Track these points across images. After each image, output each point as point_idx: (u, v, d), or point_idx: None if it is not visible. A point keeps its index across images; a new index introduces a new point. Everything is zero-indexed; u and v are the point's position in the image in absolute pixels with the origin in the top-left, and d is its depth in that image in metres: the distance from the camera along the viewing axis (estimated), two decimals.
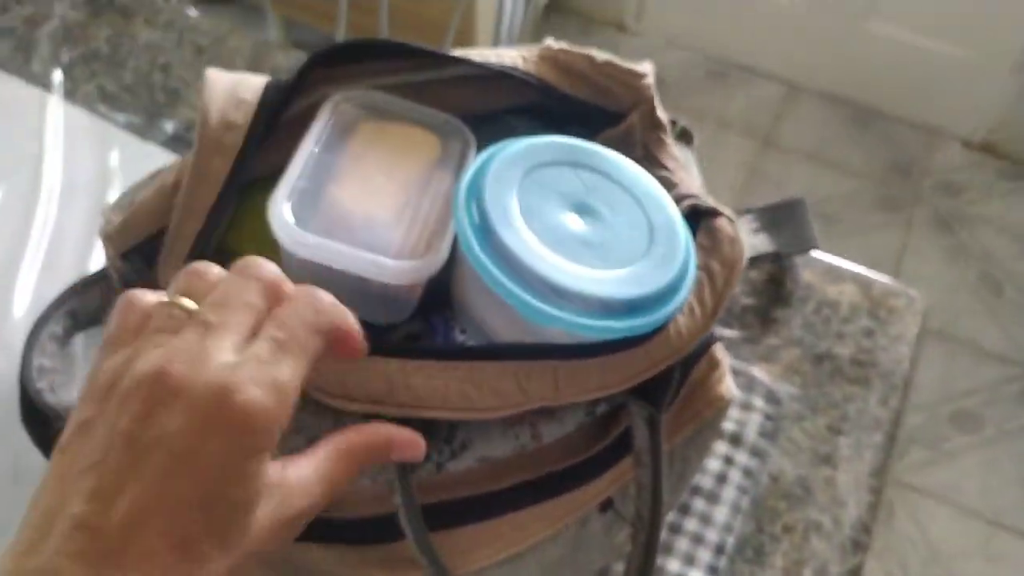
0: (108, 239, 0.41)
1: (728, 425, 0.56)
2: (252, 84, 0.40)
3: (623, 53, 0.44)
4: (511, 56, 0.44)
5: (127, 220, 0.40)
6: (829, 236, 1.73)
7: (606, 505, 0.41)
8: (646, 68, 0.44)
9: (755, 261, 0.62)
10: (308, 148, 0.38)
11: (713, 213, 0.40)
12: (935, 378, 1.54)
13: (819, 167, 1.86)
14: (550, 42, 0.45)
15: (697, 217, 0.40)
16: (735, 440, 0.55)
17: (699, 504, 0.52)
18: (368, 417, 0.33)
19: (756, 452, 0.55)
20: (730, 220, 0.40)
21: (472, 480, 0.38)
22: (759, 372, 0.59)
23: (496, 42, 0.91)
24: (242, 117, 0.39)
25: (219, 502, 0.24)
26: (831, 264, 0.65)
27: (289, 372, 0.26)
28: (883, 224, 1.76)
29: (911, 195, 1.82)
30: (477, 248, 0.34)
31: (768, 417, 0.56)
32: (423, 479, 0.37)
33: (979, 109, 1.86)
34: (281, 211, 0.35)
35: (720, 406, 0.42)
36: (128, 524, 0.22)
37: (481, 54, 0.43)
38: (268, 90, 0.40)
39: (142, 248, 0.40)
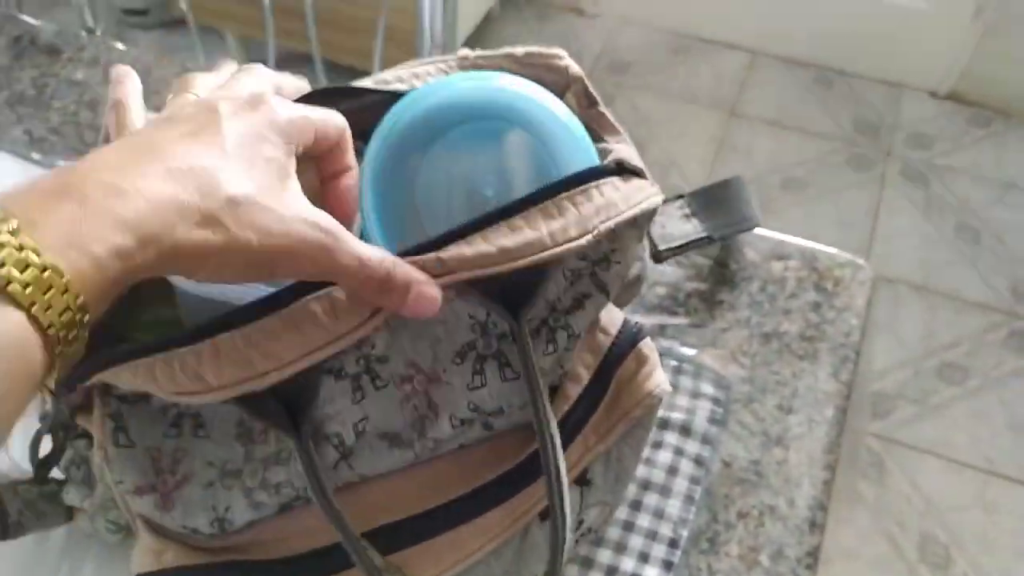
0: None
1: (677, 415, 0.55)
2: None
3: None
4: (430, 72, 0.44)
5: None
6: (801, 201, 1.72)
7: (546, 514, 0.40)
8: (559, 51, 0.45)
9: (694, 244, 0.61)
10: None
11: (637, 172, 0.40)
12: (918, 333, 1.54)
13: (787, 133, 1.85)
14: (465, 51, 0.45)
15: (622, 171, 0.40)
16: (684, 430, 0.55)
17: (651, 499, 0.52)
18: (244, 402, 0.34)
19: (707, 440, 0.54)
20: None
21: (400, 499, 0.38)
22: (707, 358, 0.58)
23: (432, 43, 0.90)
24: None
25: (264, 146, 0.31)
26: (775, 239, 0.64)
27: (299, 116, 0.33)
28: (855, 183, 1.76)
29: (881, 151, 1.82)
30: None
31: (717, 403, 0.56)
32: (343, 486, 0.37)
33: (943, 59, 1.85)
34: None
35: (650, 403, 0.42)
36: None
37: (397, 76, 0.44)
38: None
39: None
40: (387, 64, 0.50)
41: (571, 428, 0.40)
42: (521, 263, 0.35)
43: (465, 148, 0.38)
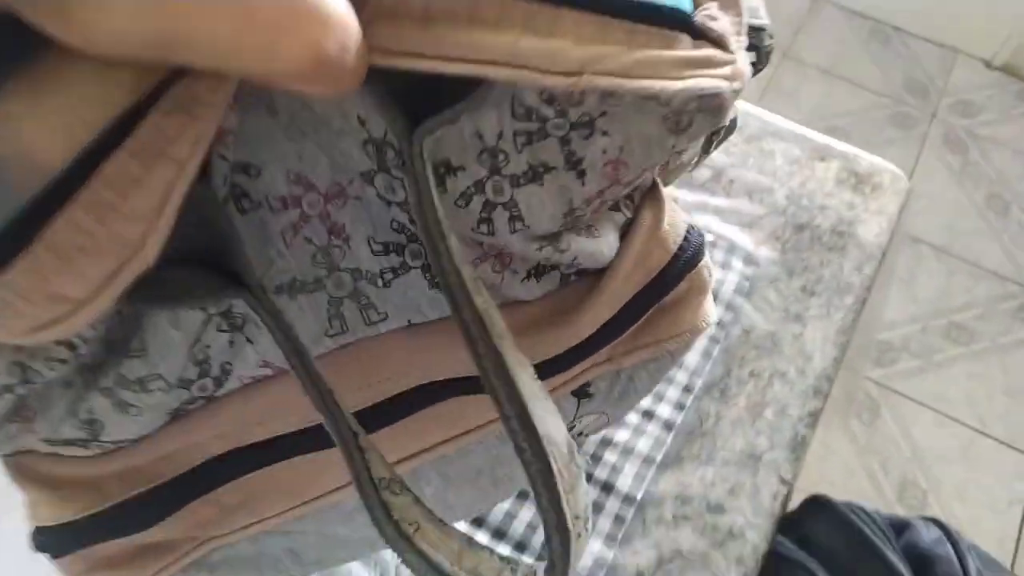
0: None
1: None
2: None
3: None
4: None
5: None
6: None
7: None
8: None
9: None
10: None
11: (718, 41, 0.26)
12: (932, 292, 1.57)
13: (836, 82, 1.85)
14: None
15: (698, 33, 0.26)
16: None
17: None
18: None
19: (730, 307, 0.58)
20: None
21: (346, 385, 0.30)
22: (741, 238, 0.62)
23: None
24: None
25: None
26: (820, 141, 0.67)
27: None
28: (896, 141, 1.76)
29: (927, 113, 1.82)
30: None
31: (745, 278, 0.60)
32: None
33: (1002, 29, 1.84)
34: None
35: (686, 339, 0.34)
36: None
37: None
38: None
39: None
40: None
41: (587, 350, 0.32)
42: (464, 68, 0.22)
43: None
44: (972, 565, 0.43)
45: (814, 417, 0.55)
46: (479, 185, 0.26)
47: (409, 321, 0.29)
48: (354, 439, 0.26)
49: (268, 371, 0.29)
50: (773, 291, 0.60)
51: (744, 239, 0.62)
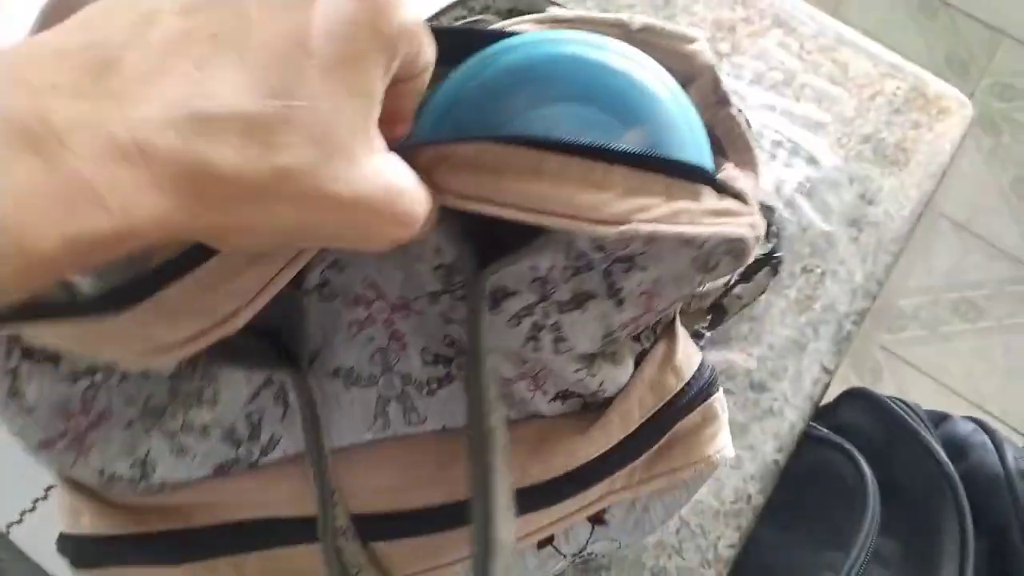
0: None
1: (769, 166, 0.59)
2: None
3: None
4: (528, 26, 0.34)
5: None
6: None
7: (546, 541, 0.36)
8: (696, 33, 0.35)
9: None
10: None
11: (737, 195, 0.30)
12: (946, 266, 1.58)
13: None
14: (555, 10, 0.36)
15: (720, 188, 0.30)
16: (775, 191, 0.59)
17: None
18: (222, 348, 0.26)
19: (789, 204, 0.59)
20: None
21: (376, 485, 0.32)
22: (806, 139, 0.62)
23: None
24: None
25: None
26: (892, 60, 0.67)
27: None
28: None
29: (965, 91, 1.81)
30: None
31: (807, 178, 0.60)
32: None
33: None
34: None
35: (700, 470, 0.36)
36: None
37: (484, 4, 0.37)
38: None
39: None
40: None
41: (602, 470, 0.34)
42: (527, 217, 0.25)
43: (559, 125, 0.29)
44: (1009, 453, 0.44)
45: (861, 316, 0.56)
46: (529, 308, 0.30)
47: (444, 426, 0.32)
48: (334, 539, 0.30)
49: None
50: (833, 195, 0.60)
51: (810, 142, 0.62)
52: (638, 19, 0.35)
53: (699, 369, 0.36)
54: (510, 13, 0.40)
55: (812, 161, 0.61)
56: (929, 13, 1.91)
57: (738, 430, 0.51)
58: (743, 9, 0.66)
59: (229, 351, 0.28)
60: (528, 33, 0.30)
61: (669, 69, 0.33)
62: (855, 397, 0.54)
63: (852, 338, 0.55)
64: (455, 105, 0.29)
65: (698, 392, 0.35)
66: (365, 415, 0.32)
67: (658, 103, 0.29)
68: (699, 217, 0.28)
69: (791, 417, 0.52)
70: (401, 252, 0.28)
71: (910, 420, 0.47)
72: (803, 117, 0.63)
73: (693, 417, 0.35)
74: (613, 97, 0.29)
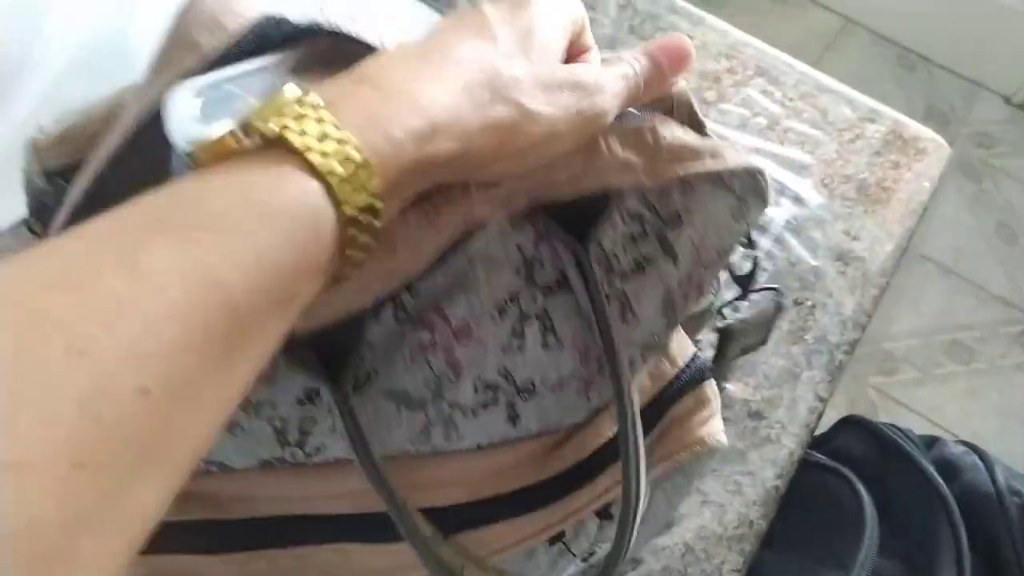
0: (37, 150, 0.35)
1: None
2: (243, 14, 0.33)
3: None
4: None
5: (65, 134, 0.35)
6: None
7: (556, 538, 0.37)
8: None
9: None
10: (259, 63, 0.32)
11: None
12: (937, 309, 1.61)
13: None
14: None
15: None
16: (760, 228, 0.62)
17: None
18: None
19: (778, 240, 0.61)
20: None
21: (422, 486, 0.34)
22: (791, 180, 0.65)
23: None
24: (210, 41, 0.32)
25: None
26: (871, 105, 0.71)
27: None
28: None
29: (945, 141, 1.86)
30: None
31: (793, 216, 0.63)
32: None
33: (1023, 69, 1.89)
34: (180, 101, 0.29)
35: (698, 452, 0.38)
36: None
37: None
38: (259, 26, 0.32)
39: (71, 170, 0.34)
40: None
41: (606, 457, 0.36)
42: (583, 184, 0.32)
43: None
44: (999, 472, 0.46)
45: (852, 346, 0.58)
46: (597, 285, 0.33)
47: (479, 444, 0.34)
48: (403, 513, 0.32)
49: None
50: (819, 231, 0.63)
51: (795, 182, 0.65)
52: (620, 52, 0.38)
53: (691, 359, 0.38)
54: None
55: (798, 200, 0.63)
56: (907, 66, 1.97)
57: (738, 457, 0.53)
58: (727, 61, 0.70)
59: (294, 355, 0.30)
60: None
61: (649, 106, 0.37)
62: (850, 424, 0.56)
63: (844, 367, 0.57)
64: None
65: (690, 377, 0.37)
66: (410, 434, 0.33)
67: None
68: (711, 151, 0.34)
69: (789, 444, 0.53)
70: (472, 267, 0.31)
71: (904, 444, 0.49)
72: (788, 159, 0.66)
73: (686, 401, 0.37)
74: None
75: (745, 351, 0.50)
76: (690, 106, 0.38)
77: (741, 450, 0.53)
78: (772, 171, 0.65)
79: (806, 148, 0.67)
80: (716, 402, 0.38)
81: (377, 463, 0.31)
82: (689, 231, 0.35)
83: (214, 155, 0.24)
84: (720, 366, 0.52)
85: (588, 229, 0.33)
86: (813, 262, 0.61)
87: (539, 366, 0.33)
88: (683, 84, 0.38)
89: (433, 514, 0.34)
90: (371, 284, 0.29)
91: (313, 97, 0.24)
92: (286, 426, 0.32)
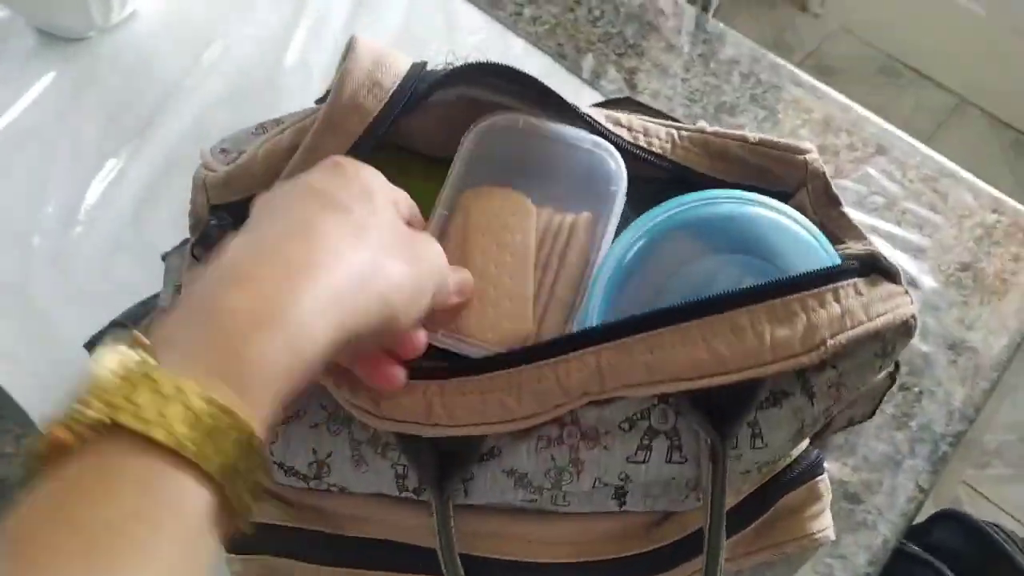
0: (203, 187, 0.38)
1: None
2: (393, 67, 0.37)
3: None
4: (665, 131, 0.41)
5: (230, 175, 0.37)
6: None
7: None
8: (807, 145, 0.40)
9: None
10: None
11: (889, 273, 0.35)
12: None
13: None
14: (703, 124, 0.42)
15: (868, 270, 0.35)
16: None
17: None
18: (401, 437, 0.34)
19: None
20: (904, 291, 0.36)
21: (509, 539, 0.37)
22: (906, 262, 0.64)
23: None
24: (372, 102, 0.36)
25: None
26: (995, 195, 0.70)
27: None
28: None
29: None
30: None
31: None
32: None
33: None
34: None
35: (806, 545, 0.38)
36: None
37: (629, 121, 0.41)
38: (408, 80, 0.36)
39: (234, 206, 0.37)
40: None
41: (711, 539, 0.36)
42: (732, 378, 0.32)
43: (709, 274, 0.36)
44: None
45: (957, 439, 0.56)
46: None
47: (582, 512, 0.36)
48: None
49: None
50: (932, 317, 0.62)
51: (909, 265, 0.64)
52: (753, 135, 0.40)
53: (805, 450, 0.38)
54: None
55: (912, 283, 0.63)
56: (1021, 151, 1.92)
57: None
58: (848, 136, 0.70)
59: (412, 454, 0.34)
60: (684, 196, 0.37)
61: (782, 176, 0.39)
62: (949, 518, 0.54)
63: (948, 460, 0.56)
64: (623, 271, 0.36)
65: (805, 469, 0.37)
66: (514, 500, 0.35)
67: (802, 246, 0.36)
68: (874, 309, 0.33)
69: (884, 531, 0.52)
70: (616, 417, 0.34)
71: (1007, 546, 0.48)
72: (904, 240, 0.65)
73: (799, 493, 0.37)
74: (764, 246, 0.36)
75: (851, 423, 0.49)
76: (824, 178, 0.39)
77: (836, 533, 0.52)
78: (886, 251, 0.64)
79: (924, 232, 0.66)
80: (828, 497, 0.38)
81: (458, 569, 0.34)
82: (830, 373, 0.35)
83: (53, 448, 0.21)
84: (823, 437, 0.52)
85: (735, 412, 0.33)
86: (924, 348, 0.60)
87: (659, 474, 0.34)
88: (816, 154, 0.40)
89: (534, 570, 0.36)
90: (492, 422, 0.33)
91: (141, 364, 0.21)
92: (408, 472, 0.34)
